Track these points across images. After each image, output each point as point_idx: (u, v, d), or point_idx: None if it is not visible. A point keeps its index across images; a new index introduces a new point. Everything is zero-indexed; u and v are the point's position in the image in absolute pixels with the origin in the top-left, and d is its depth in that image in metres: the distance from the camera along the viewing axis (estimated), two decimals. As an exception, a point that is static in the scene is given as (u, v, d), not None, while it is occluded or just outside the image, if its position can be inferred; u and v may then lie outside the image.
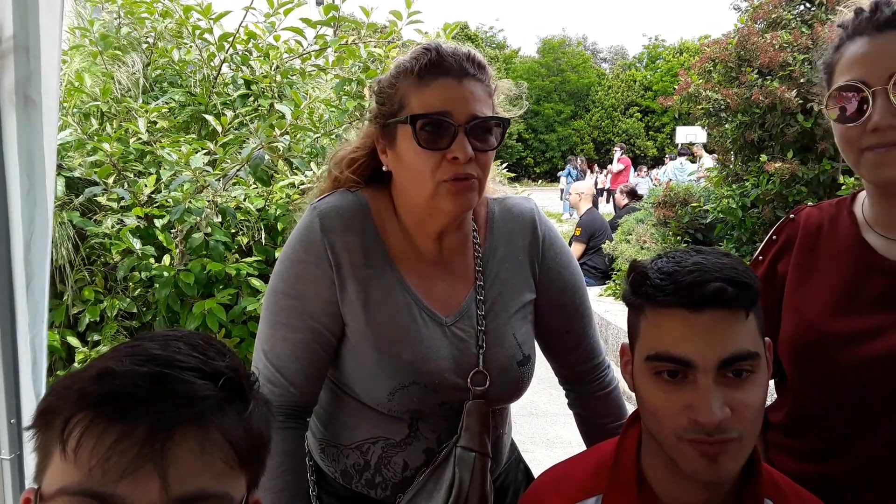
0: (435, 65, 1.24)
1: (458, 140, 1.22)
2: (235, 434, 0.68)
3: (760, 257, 1.37)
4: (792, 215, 1.36)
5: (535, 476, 1.55)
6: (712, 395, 0.93)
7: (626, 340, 1.12)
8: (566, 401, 1.59)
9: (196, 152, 2.97)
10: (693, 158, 13.90)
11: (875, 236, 1.22)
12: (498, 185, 1.52)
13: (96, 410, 0.64)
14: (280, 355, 1.30)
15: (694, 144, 14.67)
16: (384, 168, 1.33)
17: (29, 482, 1.56)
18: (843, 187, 5.31)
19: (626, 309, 1.09)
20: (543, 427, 4.54)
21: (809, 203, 1.45)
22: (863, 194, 1.27)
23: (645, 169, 22.46)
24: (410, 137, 1.24)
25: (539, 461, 1.52)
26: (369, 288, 1.30)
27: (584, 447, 1.54)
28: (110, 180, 2.94)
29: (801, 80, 5.86)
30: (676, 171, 13.43)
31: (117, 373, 0.65)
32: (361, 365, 1.31)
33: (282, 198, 3.13)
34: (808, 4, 6.65)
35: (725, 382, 0.95)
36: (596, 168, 25.76)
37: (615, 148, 19.68)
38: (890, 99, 1.08)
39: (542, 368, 1.48)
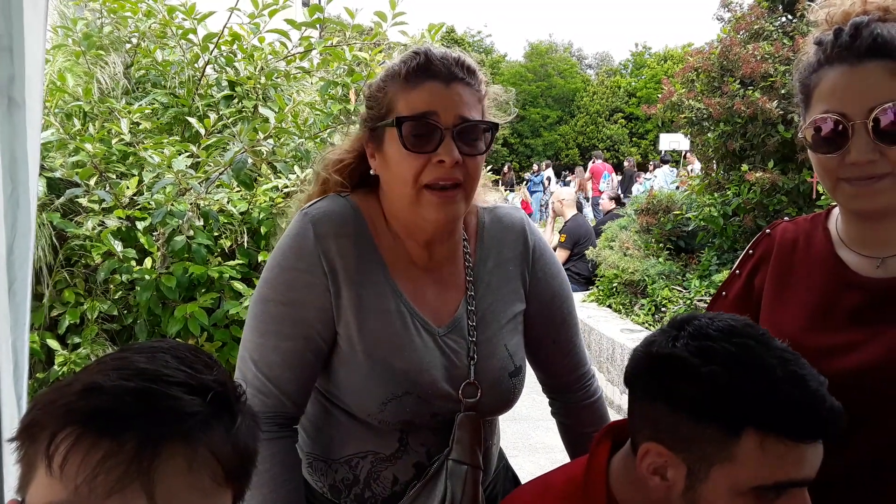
0: (423, 68, 1.23)
1: (444, 143, 1.21)
2: (223, 450, 0.68)
3: (738, 271, 1.39)
4: (768, 230, 1.37)
5: (523, 482, 1.56)
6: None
7: (651, 435, 1.03)
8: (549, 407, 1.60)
9: (179, 154, 2.95)
10: (676, 165, 14.15)
11: (848, 252, 1.24)
12: (486, 191, 1.49)
13: (83, 426, 0.63)
14: (271, 364, 1.27)
15: (678, 152, 14.91)
16: (372, 172, 1.32)
17: (8, 486, 1.55)
18: (823, 197, 5.39)
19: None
20: (526, 432, 4.55)
21: (787, 215, 1.47)
22: (837, 210, 1.29)
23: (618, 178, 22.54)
24: (397, 140, 1.23)
25: (522, 466, 1.53)
26: (362, 294, 1.28)
27: (566, 453, 1.56)
28: (92, 181, 2.92)
29: (783, 91, 5.93)
30: (666, 178, 13.68)
31: (104, 388, 0.64)
32: (353, 374, 1.28)
33: (265, 201, 3.12)
34: (789, 16, 6.74)
35: None
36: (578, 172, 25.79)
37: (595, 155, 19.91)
38: (869, 133, 1.08)
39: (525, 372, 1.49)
